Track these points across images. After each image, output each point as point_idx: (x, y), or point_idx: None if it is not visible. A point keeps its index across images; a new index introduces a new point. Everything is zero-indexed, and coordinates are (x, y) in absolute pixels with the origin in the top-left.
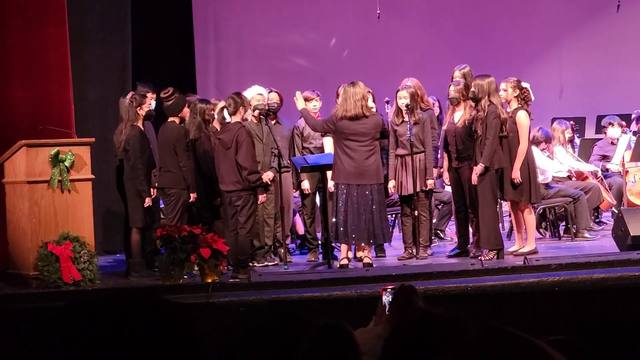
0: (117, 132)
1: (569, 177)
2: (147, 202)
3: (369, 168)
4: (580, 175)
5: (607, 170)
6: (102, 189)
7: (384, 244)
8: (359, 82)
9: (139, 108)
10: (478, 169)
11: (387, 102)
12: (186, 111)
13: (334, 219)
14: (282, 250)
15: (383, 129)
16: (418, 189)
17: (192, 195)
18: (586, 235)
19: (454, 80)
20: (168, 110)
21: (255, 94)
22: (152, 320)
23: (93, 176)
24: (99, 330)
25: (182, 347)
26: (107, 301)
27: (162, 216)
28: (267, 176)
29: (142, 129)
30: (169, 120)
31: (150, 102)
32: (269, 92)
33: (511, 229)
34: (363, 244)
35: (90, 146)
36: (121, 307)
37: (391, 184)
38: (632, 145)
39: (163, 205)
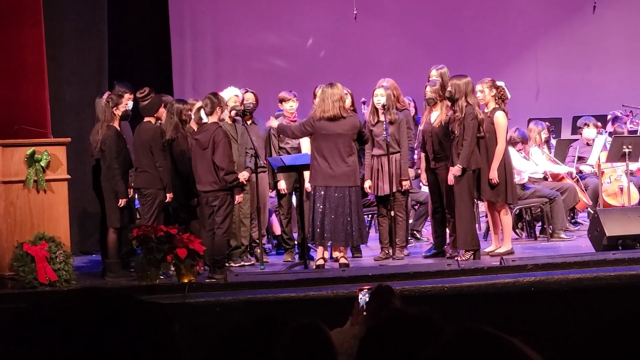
0: (93, 132)
1: (545, 178)
2: (122, 202)
3: (347, 170)
4: (556, 177)
5: (581, 172)
6: (78, 189)
7: (360, 245)
8: (337, 83)
9: (115, 108)
10: (455, 170)
11: (364, 103)
12: (162, 111)
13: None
14: (259, 251)
15: (361, 131)
16: (394, 190)
17: (169, 196)
18: (562, 235)
19: (430, 80)
20: (144, 110)
21: (232, 94)
22: (127, 320)
23: (69, 176)
24: (73, 330)
25: (158, 347)
26: (82, 301)
27: (138, 216)
28: (243, 176)
29: (119, 129)
30: (144, 120)
31: (127, 102)
32: (245, 93)
33: (488, 229)
34: (341, 247)
35: (66, 146)
36: (96, 307)
37: (367, 184)
38: (608, 146)
39: (139, 206)
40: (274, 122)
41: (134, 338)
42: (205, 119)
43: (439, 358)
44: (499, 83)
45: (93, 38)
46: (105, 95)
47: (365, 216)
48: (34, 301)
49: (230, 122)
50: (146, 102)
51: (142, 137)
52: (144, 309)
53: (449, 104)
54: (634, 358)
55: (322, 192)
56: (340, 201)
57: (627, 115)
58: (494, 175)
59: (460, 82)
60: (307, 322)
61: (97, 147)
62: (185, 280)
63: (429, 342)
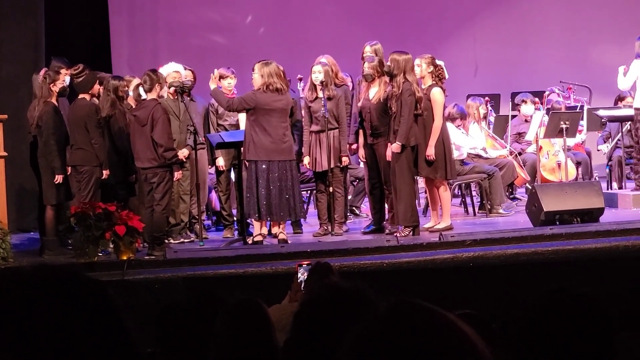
0: (30, 109)
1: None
2: (59, 179)
3: (287, 144)
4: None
5: (522, 152)
6: (15, 167)
7: (300, 220)
8: (272, 60)
9: (52, 84)
10: (395, 147)
11: (300, 80)
12: (97, 88)
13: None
14: (198, 227)
15: (292, 107)
16: (332, 165)
17: (105, 173)
18: (500, 211)
19: (364, 56)
20: (78, 87)
21: (172, 71)
22: (66, 296)
23: (5, 153)
24: (10, 306)
25: (100, 323)
26: (22, 277)
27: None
28: (183, 153)
29: (56, 105)
30: (79, 97)
31: (64, 79)
32: (184, 70)
33: (427, 205)
34: (282, 220)
35: (2, 123)
36: (36, 283)
37: (306, 160)
38: (545, 122)
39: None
40: (212, 83)
41: (72, 314)
42: (144, 96)
43: (371, 331)
44: (438, 62)
45: (29, 14)
46: (42, 72)
47: (304, 192)
48: None
49: (173, 99)
50: (80, 79)
51: (76, 114)
52: (88, 285)
53: (387, 80)
54: (566, 329)
55: (264, 167)
56: (282, 175)
57: (570, 89)
58: (431, 152)
59: (399, 58)
60: (244, 298)
61: (34, 124)
62: (124, 258)
63: (363, 315)
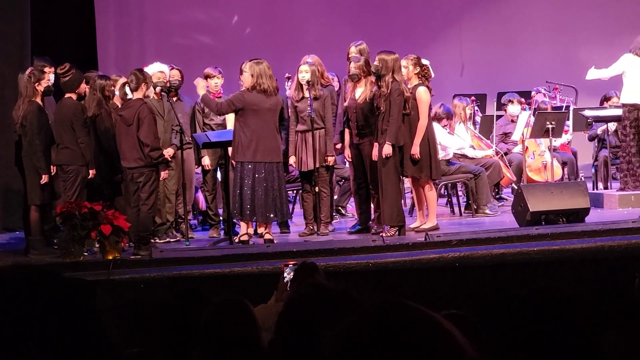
0: (15, 108)
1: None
2: (44, 179)
3: (274, 145)
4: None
5: (508, 152)
6: (1, 166)
7: (288, 220)
8: (263, 60)
9: (37, 84)
10: (386, 148)
11: (288, 79)
12: (84, 87)
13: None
14: (184, 227)
15: (282, 109)
16: (318, 165)
17: (91, 172)
18: (487, 211)
19: (350, 56)
20: (65, 86)
21: (157, 70)
22: (51, 297)
23: None
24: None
25: (82, 323)
26: (6, 278)
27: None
28: (168, 153)
29: (41, 104)
30: (65, 96)
31: (49, 77)
32: (170, 69)
33: (413, 205)
34: (268, 221)
35: None
36: (20, 283)
37: (292, 160)
38: (532, 122)
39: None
40: (200, 89)
41: (59, 315)
42: (130, 95)
43: (355, 328)
44: (424, 61)
45: (16, 13)
46: (27, 71)
47: (290, 192)
48: None
49: (158, 99)
50: (67, 78)
51: (62, 114)
52: (68, 286)
53: (374, 80)
54: (552, 329)
55: (250, 167)
56: (269, 176)
57: (555, 89)
58: (416, 151)
59: (387, 58)
60: (229, 298)
61: (19, 123)
62: (110, 257)
63: (345, 314)
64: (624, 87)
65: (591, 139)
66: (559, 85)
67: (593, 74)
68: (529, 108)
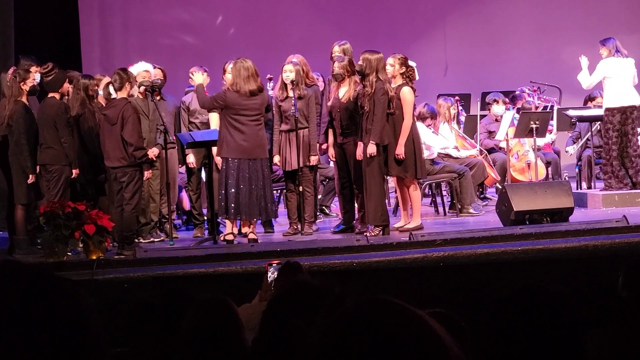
0: (0, 108)
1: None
2: (31, 178)
3: (259, 143)
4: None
5: (495, 148)
6: None
7: (272, 219)
8: (248, 60)
9: (22, 83)
10: (371, 149)
11: (270, 80)
12: (67, 87)
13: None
14: (168, 226)
15: (268, 106)
16: (302, 165)
17: (74, 172)
18: (471, 210)
19: (333, 56)
20: (48, 85)
21: (142, 70)
22: (36, 295)
23: None
24: None
25: (67, 322)
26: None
27: None
28: (153, 152)
29: (27, 104)
30: (49, 96)
31: (35, 77)
32: (153, 69)
33: (397, 205)
34: (253, 220)
35: None
36: (8, 280)
37: (276, 159)
38: (515, 122)
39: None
40: (198, 79)
41: (41, 313)
42: (114, 95)
43: (336, 325)
44: (411, 63)
45: None
46: (10, 70)
47: (275, 191)
48: None
49: (143, 98)
50: (50, 78)
51: (46, 113)
52: (56, 285)
53: (358, 80)
54: (535, 328)
55: (235, 165)
56: (254, 174)
57: (535, 91)
58: (400, 150)
59: (372, 58)
60: (213, 297)
61: (5, 123)
62: (94, 257)
63: (327, 310)
64: (606, 91)
65: (569, 147)
66: (542, 85)
67: (587, 81)
68: (513, 108)
